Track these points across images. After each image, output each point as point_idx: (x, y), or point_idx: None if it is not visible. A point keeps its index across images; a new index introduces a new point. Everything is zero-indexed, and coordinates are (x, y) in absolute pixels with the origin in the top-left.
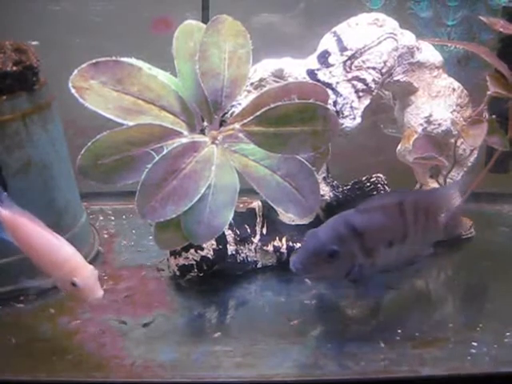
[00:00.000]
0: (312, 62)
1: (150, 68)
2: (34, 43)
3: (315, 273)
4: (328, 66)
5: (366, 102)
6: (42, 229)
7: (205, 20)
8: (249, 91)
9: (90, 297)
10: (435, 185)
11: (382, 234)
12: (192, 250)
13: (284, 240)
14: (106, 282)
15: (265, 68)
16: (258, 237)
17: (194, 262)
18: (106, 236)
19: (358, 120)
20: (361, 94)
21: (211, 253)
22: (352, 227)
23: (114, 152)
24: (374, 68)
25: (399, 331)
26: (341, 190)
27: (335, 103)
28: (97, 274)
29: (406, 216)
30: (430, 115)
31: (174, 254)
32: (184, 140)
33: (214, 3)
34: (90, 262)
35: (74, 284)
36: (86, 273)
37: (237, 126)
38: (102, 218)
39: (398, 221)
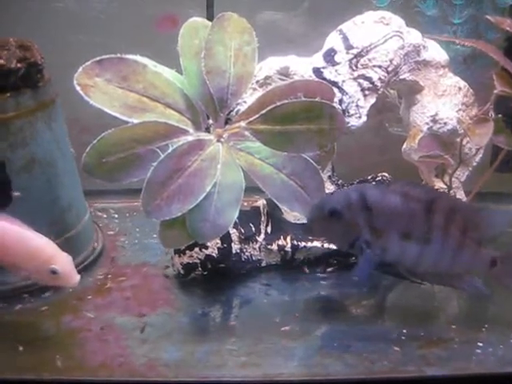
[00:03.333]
0: (318, 60)
1: (155, 65)
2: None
3: (318, 227)
4: (334, 64)
5: (372, 100)
6: (11, 222)
7: (210, 17)
8: (254, 89)
9: (68, 283)
10: (440, 184)
11: (395, 219)
12: (196, 249)
13: (288, 239)
14: (110, 280)
15: (270, 66)
16: (262, 235)
17: (199, 261)
18: (109, 234)
19: (364, 118)
20: (367, 92)
21: (216, 251)
22: (363, 198)
23: (119, 150)
24: (379, 66)
25: (404, 331)
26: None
27: (341, 101)
28: (72, 260)
29: (434, 217)
30: (436, 114)
31: (179, 252)
32: (189, 138)
33: (219, 1)
34: (94, 260)
35: (53, 271)
36: (63, 259)
37: (242, 124)
38: (105, 216)
39: (421, 216)
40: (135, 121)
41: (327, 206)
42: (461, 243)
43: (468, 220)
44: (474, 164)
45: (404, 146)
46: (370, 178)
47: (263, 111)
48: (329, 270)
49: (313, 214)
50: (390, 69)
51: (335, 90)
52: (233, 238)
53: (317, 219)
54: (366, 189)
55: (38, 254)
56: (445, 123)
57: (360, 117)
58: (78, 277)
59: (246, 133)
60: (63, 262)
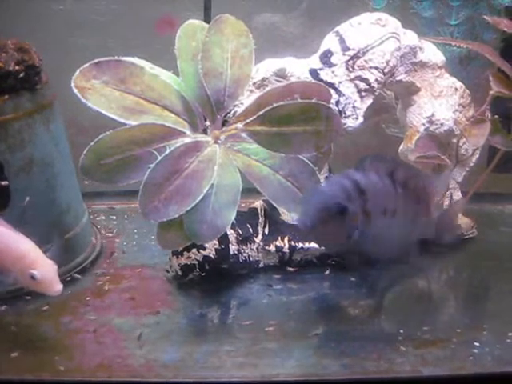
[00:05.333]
0: (314, 61)
1: (152, 67)
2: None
3: (321, 231)
4: (330, 65)
5: (369, 101)
6: None
7: (207, 19)
8: (251, 91)
9: (48, 291)
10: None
11: (380, 197)
12: (194, 250)
13: (286, 240)
14: (109, 281)
15: (267, 67)
16: (260, 236)
17: (196, 262)
18: (107, 236)
19: (361, 120)
20: (363, 93)
21: (213, 252)
22: (357, 185)
23: (117, 152)
24: (376, 68)
25: (401, 331)
26: None
27: (338, 103)
28: (56, 269)
29: (396, 187)
30: (433, 115)
31: (177, 253)
32: (187, 140)
33: (216, 3)
34: (92, 262)
35: (32, 277)
36: (45, 266)
37: (239, 125)
38: (103, 217)
39: (395, 190)
40: (133, 123)
41: (332, 205)
42: (416, 211)
43: (421, 188)
44: (471, 164)
45: (401, 147)
46: None
47: (260, 113)
48: (326, 273)
49: (317, 217)
50: (386, 70)
51: (332, 91)
52: (230, 239)
53: (322, 221)
54: (353, 175)
55: (21, 257)
56: (441, 124)
57: (357, 118)
58: (59, 286)
59: (243, 134)
60: (45, 269)
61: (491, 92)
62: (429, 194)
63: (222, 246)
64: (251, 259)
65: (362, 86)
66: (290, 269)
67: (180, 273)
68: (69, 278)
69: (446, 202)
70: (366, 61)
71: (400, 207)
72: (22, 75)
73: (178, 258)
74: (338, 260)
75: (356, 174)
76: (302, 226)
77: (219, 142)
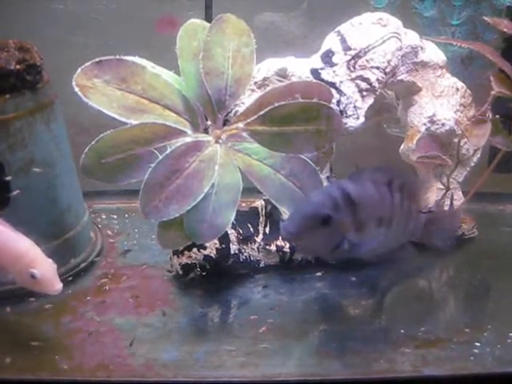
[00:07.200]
0: (316, 61)
1: (153, 67)
2: None
3: (306, 239)
4: (332, 65)
5: (370, 101)
6: None
7: (208, 19)
8: (252, 90)
9: (48, 290)
10: (438, 185)
11: (374, 208)
12: (195, 249)
13: None
14: (109, 280)
15: (268, 67)
16: (260, 236)
17: (197, 262)
18: (108, 235)
19: (362, 119)
20: (364, 93)
21: (214, 252)
22: (347, 195)
23: (118, 151)
24: (377, 67)
25: (402, 331)
26: None
27: (339, 102)
28: (55, 268)
29: (394, 196)
30: (434, 115)
31: (177, 253)
32: (187, 139)
33: (217, 2)
34: (92, 261)
35: (32, 276)
36: (45, 265)
37: (240, 125)
38: (104, 216)
39: (389, 199)
40: (134, 122)
41: (317, 214)
42: (409, 215)
43: (414, 192)
44: (472, 164)
45: (402, 147)
46: None
47: (261, 112)
48: (327, 272)
49: (302, 225)
50: (387, 70)
51: (333, 91)
52: (231, 239)
53: (307, 230)
54: (344, 185)
55: (21, 256)
56: (442, 124)
57: (358, 118)
58: (59, 285)
59: (244, 134)
60: (44, 268)
61: (492, 92)
62: (419, 198)
63: (223, 246)
64: (252, 259)
65: (364, 85)
66: (291, 268)
67: (181, 272)
68: (70, 278)
69: (447, 202)
70: (367, 60)
71: (396, 214)
72: (22, 74)
73: (178, 257)
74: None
75: (349, 184)
76: (285, 234)
77: (220, 141)
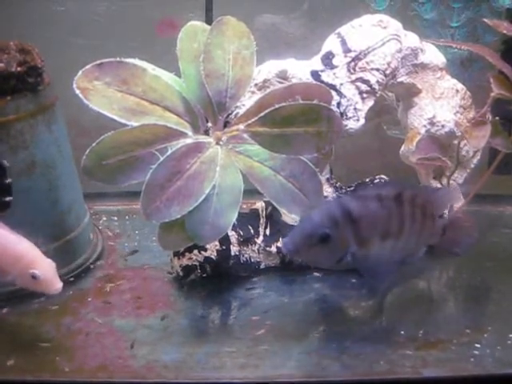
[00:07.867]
0: (316, 63)
1: (154, 69)
2: None
3: (306, 256)
4: (332, 67)
5: (370, 103)
6: None
7: (208, 21)
8: (253, 92)
9: (49, 289)
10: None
11: (378, 224)
12: (195, 251)
13: None
14: (110, 282)
15: (269, 69)
16: (261, 238)
17: (198, 263)
18: (109, 236)
19: (362, 121)
20: (365, 95)
21: (214, 253)
22: (347, 213)
23: (119, 152)
24: (377, 69)
25: (402, 332)
26: (344, 191)
27: (339, 104)
28: (55, 267)
29: (404, 209)
30: (434, 116)
31: (178, 254)
32: (188, 141)
33: (218, 4)
34: (93, 263)
35: (34, 276)
36: (45, 265)
37: (241, 126)
38: (105, 218)
39: (395, 213)
40: (134, 124)
41: (315, 232)
42: (423, 226)
43: (428, 202)
44: (472, 166)
45: (402, 149)
46: (367, 180)
47: (262, 114)
48: (327, 274)
49: (301, 243)
50: (387, 72)
51: (333, 92)
52: (232, 241)
53: (306, 247)
54: (345, 202)
55: (20, 257)
56: (442, 126)
57: (358, 120)
58: (59, 284)
59: (245, 135)
60: (45, 268)
61: (492, 94)
62: (435, 208)
63: (224, 247)
64: (252, 260)
65: (364, 87)
66: (291, 270)
67: (181, 274)
68: (71, 279)
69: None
70: (367, 62)
71: (406, 226)
72: (23, 76)
73: (179, 258)
74: None
75: (350, 201)
76: (285, 250)
77: (221, 143)
